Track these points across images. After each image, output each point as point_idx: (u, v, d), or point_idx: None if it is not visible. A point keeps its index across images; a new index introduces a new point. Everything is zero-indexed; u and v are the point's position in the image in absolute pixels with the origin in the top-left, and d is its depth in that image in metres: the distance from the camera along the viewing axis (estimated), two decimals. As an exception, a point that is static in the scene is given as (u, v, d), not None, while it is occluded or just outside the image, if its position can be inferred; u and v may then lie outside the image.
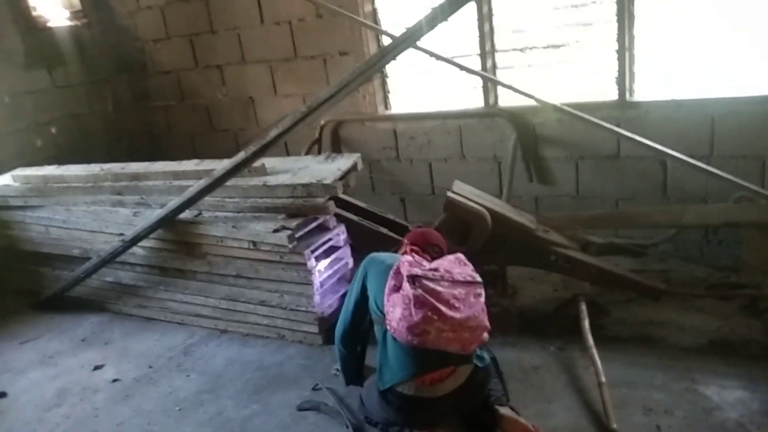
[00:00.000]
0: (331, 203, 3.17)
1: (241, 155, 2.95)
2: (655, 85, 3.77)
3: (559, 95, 3.94)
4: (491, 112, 4.19)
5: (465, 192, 3.27)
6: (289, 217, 3.17)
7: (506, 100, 4.18)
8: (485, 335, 2.23)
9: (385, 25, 4.42)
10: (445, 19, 2.66)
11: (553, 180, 4.11)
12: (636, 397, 2.60)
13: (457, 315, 2.11)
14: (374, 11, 4.42)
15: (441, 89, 4.43)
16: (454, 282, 2.19)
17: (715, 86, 3.60)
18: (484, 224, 3.11)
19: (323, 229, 3.25)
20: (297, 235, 3.07)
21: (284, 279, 3.21)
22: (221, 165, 3.20)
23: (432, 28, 2.68)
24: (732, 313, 3.12)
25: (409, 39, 2.74)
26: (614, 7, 3.65)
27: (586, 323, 2.90)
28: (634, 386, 2.67)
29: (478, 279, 2.27)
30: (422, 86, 4.52)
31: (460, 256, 2.34)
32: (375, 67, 2.71)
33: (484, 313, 2.21)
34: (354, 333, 2.65)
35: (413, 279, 2.14)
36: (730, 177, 2.81)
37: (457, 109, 4.37)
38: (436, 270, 2.24)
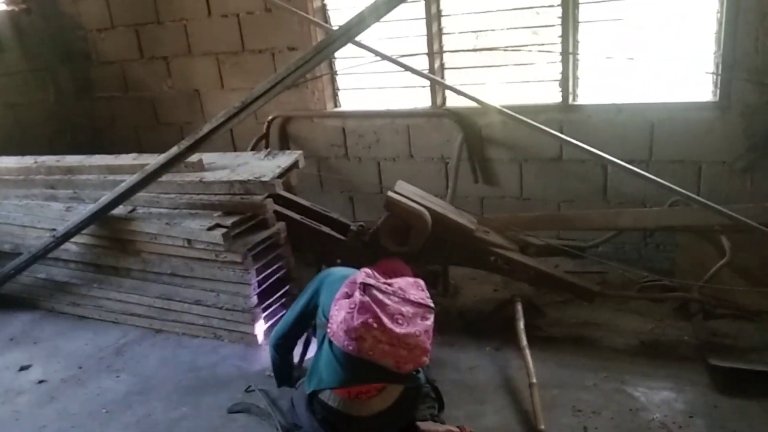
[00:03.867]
0: (269, 201, 3.11)
1: (173, 150, 2.87)
2: (598, 89, 3.83)
3: (506, 96, 3.98)
4: (438, 113, 4.19)
5: (407, 192, 3.25)
6: (226, 214, 3.10)
7: (454, 100, 4.18)
8: (425, 359, 2.15)
9: (336, 21, 4.37)
10: (382, 16, 2.63)
11: (498, 181, 4.13)
12: (566, 398, 2.62)
13: (397, 329, 2.05)
14: (323, 7, 4.37)
15: (391, 87, 4.41)
16: (405, 300, 2.15)
17: (656, 91, 3.67)
18: (424, 224, 3.09)
19: (262, 227, 3.19)
20: (233, 234, 3.00)
21: (220, 278, 3.14)
22: (156, 160, 3.10)
23: (370, 24, 2.65)
24: (664, 315, 3.19)
25: (347, 34, 2.71)
26: (559, 11, 3.68)
27: (521, 324, 2.91)
28: (566, 387, 2.70)
29: (431, 304, 2.22)
30: (372, 84, 4.49)
31: (420, 281, 2.31)
32: (311, 62, 2.66)
33: (427, 336, 2.15)
34: (289, 341, 2.59)
35: (364, 287, 2.11)
36: (663, 182, 2.84)
37: (406, 108, 4.36)
38: (390, 285, 2.19)
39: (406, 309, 2.12)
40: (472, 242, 3.20)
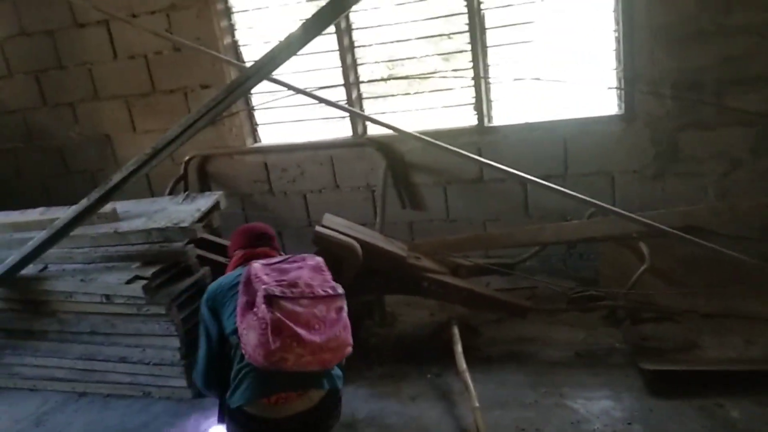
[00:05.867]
0: (191, 247, 2.99)
1: (84, 202, 2.71)
2: (512, 109, 3.94)
3: (426, 122, 4.04)
4: (360, 142, 4.19)
5: (335, 224, 3.21)
6: (145, 265, 2.95)
7: (375, 128, 4.20)
8: (349, 349, 2.09)
9: (248, 57, 4.32)
10: (295, 52, 2.61)
11: (424, 205, 4.17)
12: (509, 418, 2.63)
13: (317, 338, 1.95)
14: (235, 43, 4.30)
15: (311, 119, 4.39)
16: (315, 298, 2.02)
17: (566, 108, 3.82)
18: (355, 256, 3.06)
19: (186, 274, 3.05)
20: (154, 285, 2.86)
21: (145, 332, 2.98)
22: (66, 213, 2.92)
23: (283, 60, 2.62)
24: (595, 324, 3.28)
25: (260, 71, 2.66)
26: (468, 38, 3.79)
27: (459, 347, 2.92)
28: (507, 406, 2.71)
29: (340, 291, 2.11)
30: (292, 117, 4.44)
31: (319, 260, 2.20)
32: (225, 102, 2.59)
33: (346, 330, 2.07)
34: (220, 374, 2.32)
35: (270, 300, 1.96)
36: (577, 195, 2.94)
37: (328, 140, 4.34)
38: (295, 285, 2.03)
39: (319, 309, 2.00)
40: (404, 269, 3.19)
